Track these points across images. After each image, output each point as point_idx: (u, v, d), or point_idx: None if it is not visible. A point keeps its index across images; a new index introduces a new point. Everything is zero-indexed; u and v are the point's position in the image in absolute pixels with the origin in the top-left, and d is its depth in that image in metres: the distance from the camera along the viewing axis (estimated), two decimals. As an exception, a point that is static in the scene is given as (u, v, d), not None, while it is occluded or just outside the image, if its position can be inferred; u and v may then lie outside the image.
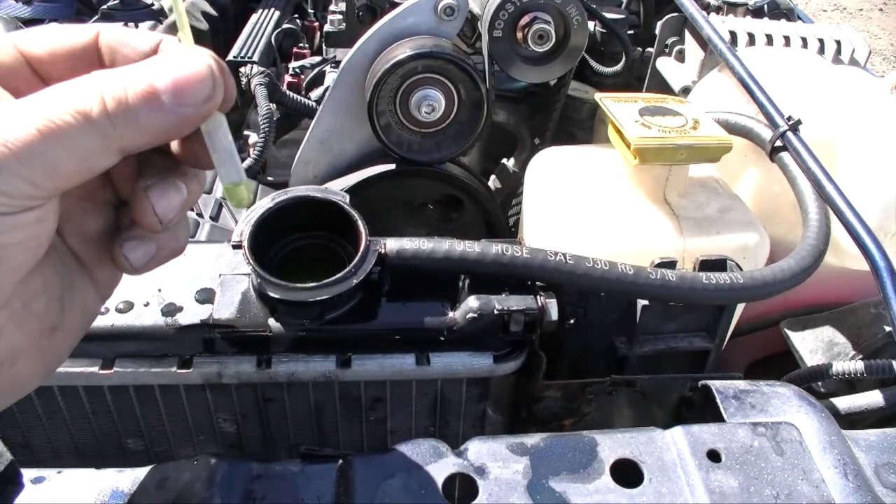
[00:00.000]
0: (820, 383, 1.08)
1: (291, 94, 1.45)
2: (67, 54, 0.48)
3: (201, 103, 0.44)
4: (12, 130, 0.39)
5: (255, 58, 1.54)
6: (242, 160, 1.31)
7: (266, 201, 0.73)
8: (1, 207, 0.40)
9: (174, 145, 0.49)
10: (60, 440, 0.80)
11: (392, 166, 1.21)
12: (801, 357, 1.16)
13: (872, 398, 0.99)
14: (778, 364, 1.26)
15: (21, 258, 0.43)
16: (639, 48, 1.73)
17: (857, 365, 1.00)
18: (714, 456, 0.60)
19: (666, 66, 1.53)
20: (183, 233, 0.53)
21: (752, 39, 1.36)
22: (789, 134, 1.00)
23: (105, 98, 0.41)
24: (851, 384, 1.07)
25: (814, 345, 1.17)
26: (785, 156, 1.02)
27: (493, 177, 1.58)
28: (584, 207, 1.02)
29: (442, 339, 0.74)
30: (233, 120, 1.59)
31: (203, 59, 0.44)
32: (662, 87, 1.51)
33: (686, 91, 1.41)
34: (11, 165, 0.39)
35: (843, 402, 0.99)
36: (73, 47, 0.48)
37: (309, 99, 1.50)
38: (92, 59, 0.48)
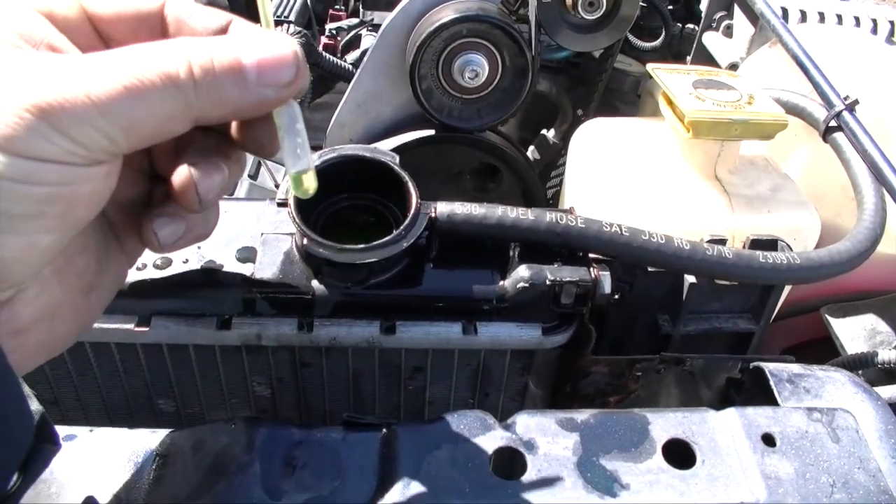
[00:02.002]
0: (860, 372, 1.06)
1: (327, 55, 1.43)
2: (132, 18, 0.48)
3: (283, 87, 0.44)
4: (97, 84, 0.39)
5: (292, 18, 1.51)
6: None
7: (313, 159, 0.71)
8: (77, 158, 0.40)
9: (235, 130, 0.50)
10: (90, 398, 0.79)
11: (431, 132, 1.18)
12: (842, 344, 1.14)
13: (916, 389, 0.96)
14: (814, 350, 1.24)
15: (85, 211, 0.43)
16: (678, 24, 1.69)
17: (904, 354, 0.98)
18: (769, 440, 0.58)
19: (713, 41, 1.49)
20: (213, 218, 0.53)
21: (804, 16, 1.33)
22: (845, 114, 0.97)
23: (193, 64, 0.41)
24: (892, 374, 1.05)
25: (855, 332, 1.14)
26: (839, 136, 0.99)
27: (531, 147, 1.55)
28: (632, 181, 0.99)
29: (489, 308, 0.71)
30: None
31: (289, 45, 0.44)
32: (708, 62, 1.48)
33: (734, 67, 1.38)
34: (93, 118, 0.39)
35: (885, 393, 0.97)
36: (139, 12, 0.48)
37: (345, 61, 1.48)
38: (155, 25, 0.49)
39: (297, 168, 0.48)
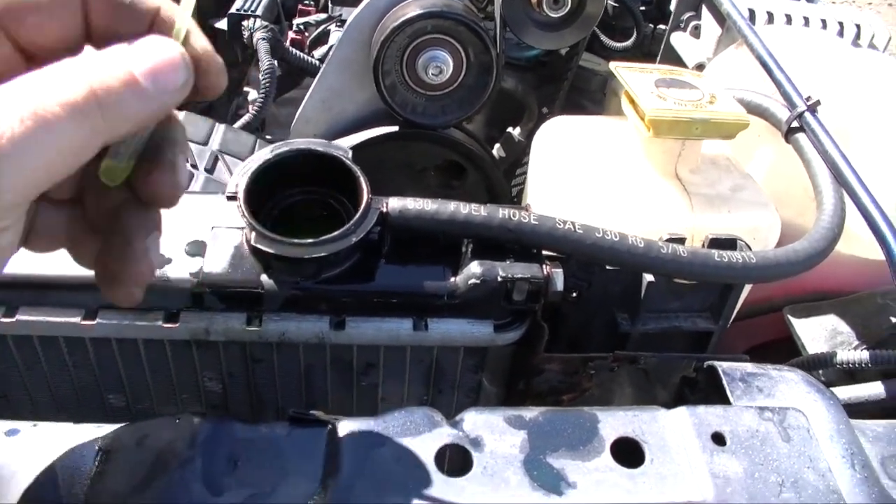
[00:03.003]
0: (821, 371, 1.06)
1: (295, 50, 1.42)
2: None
3: (177, 90, 0.43)
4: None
5: (259, 12, 1.50)
6: (240, 116, 1.29)
7: (265, 153, 0.70)
8: None
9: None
10: (39, 393, 0.78)
11: (395, 128, 1.18)
12: (803, 344, 1.14)
13: (874, 389, 0.96)
14: (776, 350, 1.24)
15: None
16: (650, 24, 1.69)
17: (863, 355, 0.98)
18: (719, 439, 0.58)
19: (681, 41, 1.49)
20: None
21: (770, 18, 1.33)
22: (807, 115, 0.98)
23: (93, 87, 0.39)
24: (851, 374, 1.05)
25: (816, 332, 1.14)
26: (801, 137, 0.99)
27: (497, 145, 1.55)
28: (593, 179, 0.99)
29: (440, 304, 0.71)
30: (233, 77, 1.56)
31: (175, 48, 0.43)
32: (676, 62, 1.48)
33: (700, 67, 1.38)
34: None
35: (843, 393, 0.97)
36: None
37: (312, 57, 1.47)
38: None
39: (115, 157, 0.45)
